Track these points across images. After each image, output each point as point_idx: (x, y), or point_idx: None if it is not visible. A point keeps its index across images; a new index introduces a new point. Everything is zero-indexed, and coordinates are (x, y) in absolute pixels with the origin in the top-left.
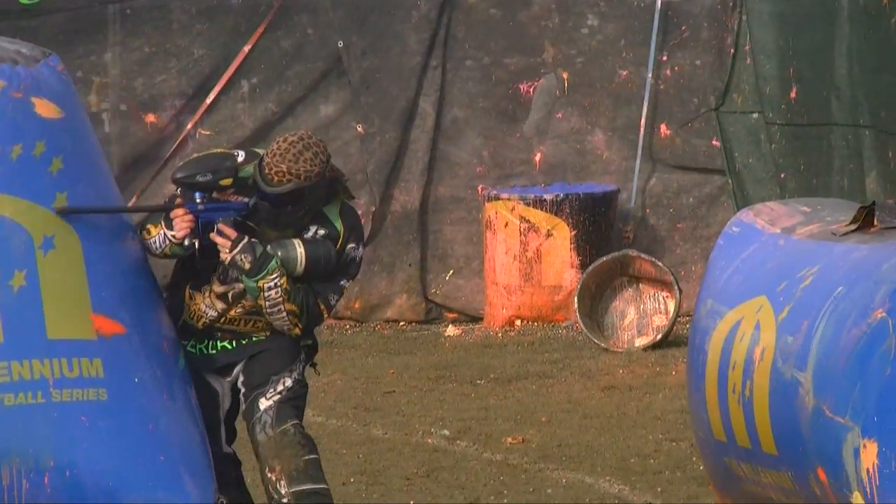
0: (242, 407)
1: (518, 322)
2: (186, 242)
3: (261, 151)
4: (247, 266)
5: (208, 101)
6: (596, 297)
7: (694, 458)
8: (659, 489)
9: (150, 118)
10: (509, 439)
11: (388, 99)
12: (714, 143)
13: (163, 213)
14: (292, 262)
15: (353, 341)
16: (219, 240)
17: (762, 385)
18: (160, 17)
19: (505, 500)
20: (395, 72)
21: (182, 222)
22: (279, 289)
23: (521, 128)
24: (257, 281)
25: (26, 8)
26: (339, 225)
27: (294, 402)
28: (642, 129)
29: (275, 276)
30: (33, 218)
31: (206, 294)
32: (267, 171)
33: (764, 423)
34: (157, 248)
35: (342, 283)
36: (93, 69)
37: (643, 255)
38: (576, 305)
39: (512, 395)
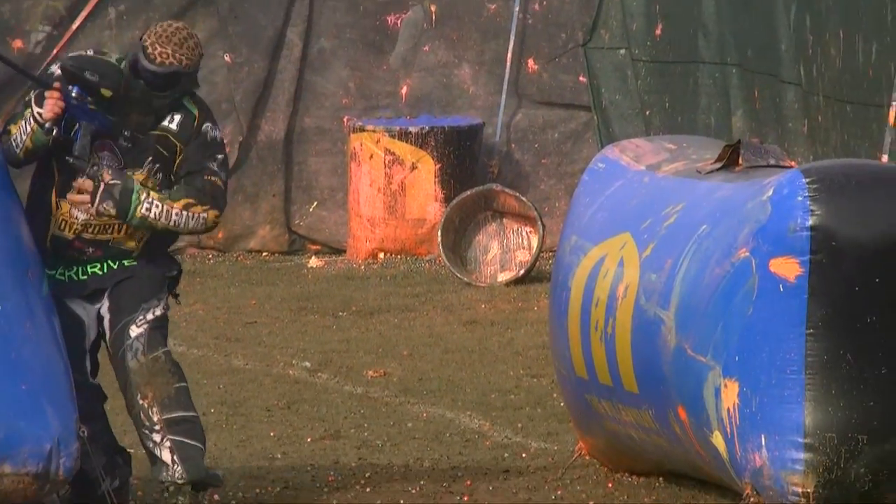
0: (107, 335)
1: (381, 255)
2: (48, 125)
3: (110, 58)
4: (113, 212)
5: (74, 26)
6: (459, 232)
7: (555, 395)
8: (519, 425)
9: (17, 44)
10: (370, 372)
11: (255, 28)
12: (581, 78)
13: (25, 107)
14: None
15: (215, 270)
16: (78, 198)
17: (625, 322)
18: None
19: (366, 434)
20: (262, 1)
21: (55, 105)
22: (156, 202)
23: (387, 60)
24: (134, 216)
25: None
26: (193, 109)
27: (162, 331)
28: (509, 64)
29: (144, 196)
30: None
31: (75, 193)
32: (150, 49)
33: (626, 360)
34: (18, 143)
35: (211, 162)
36: None
37: (507, 190)
38: (439, 239)
39: (374, 328)
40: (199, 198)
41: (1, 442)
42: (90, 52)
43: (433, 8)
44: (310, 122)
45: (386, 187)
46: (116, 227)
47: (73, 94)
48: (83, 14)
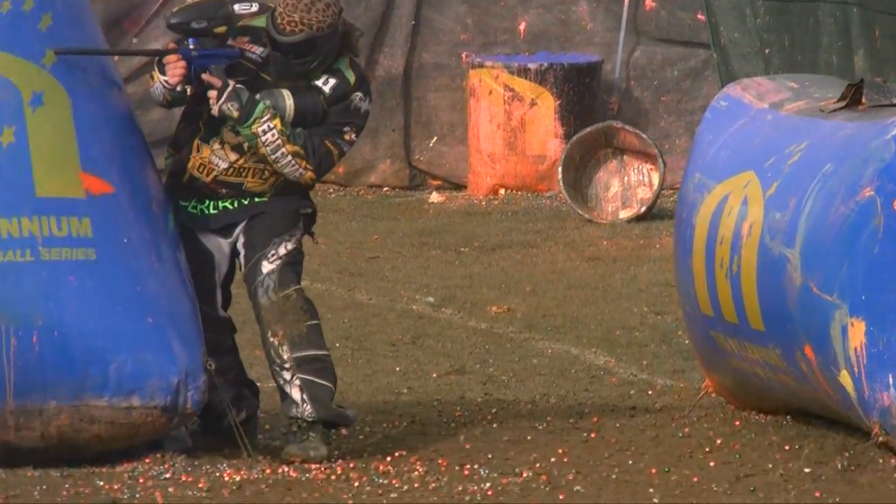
0: (242, 269)
1: (502, 191)
2: (179, 88)
3: (273, 5)
4: (235, 114)
5: None
6: (580, 168)
7: (679, 332)
8: (644, 362)
9: None
10: (494, 308)
11: None
12: (699, 16)
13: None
14: (280, 111)
15: (336, 205)
16: (209, 78)
17: (750, 260)
18: None
19: (491, 369)
20: None
21: (175, 68)
22: (274, 131)
23: None
24: (249, 127)
25: None
26: (350, 76)
27: (294, 268)
28: (627, 1)
29: (266, 118)
30: (22, 74)
31: (216, 145)
32: (279, 20)
33: (751, 298)
34: (158, 96)
35: (345, 129)
36: None
37: (627, 127)
38: (560, 176)
39: (496, 263)
40: (309, 154)
41: (129, 375)
42: (189, 1)
43: None
44: (428, 57)
45: (506, 123)
46: (251, 171)
47: (191, 48)
48: None
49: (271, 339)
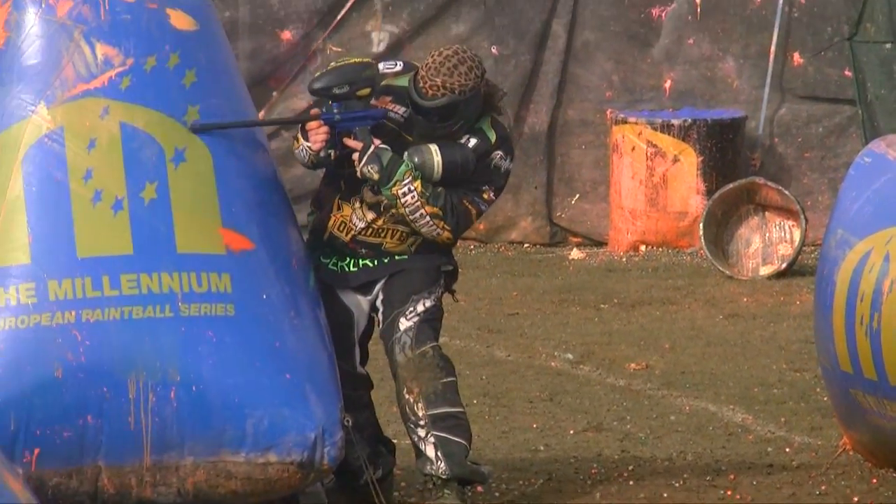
0: (380, 326)
1: (643, 247)
2: (322, 154)
3: (418, 65)
4: (375, 176)
5: (339, 16)
6: (721, 225)
7: (818, 390)
8: (782, 419)
9: (286, 35)
10: (632, 365)
11: (522, 21)
12: (846, 72)
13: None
14: (428, 168)
15: (477, 262)
16: (352, 144)
17: (891, 317)
18: None
19: (628, 426)
20: None
21: (317, 134)
22: (414, 193)
23: (651, 52)
24: (390, 189)
25: None
26: (491, 135)
27: (433, 324)
28: (772, 57)
29: (406, 181)
30: (165, 130)
31: (356, 204)
32: (421, 84)
33: (892, 355)
34: (303, 158)
35: (484, 188)
36: None
37: (770, 183)
38: (701, 232)
39: (635, 320)
40: (447, 214)
41: (266, 431)
42: (331, 65)
43: (698, 1)
44: (573, 114)
45: (648, 179)
46: (390, 232)
47: (334, 112)
48: (348, 4)
49: (407, 396)
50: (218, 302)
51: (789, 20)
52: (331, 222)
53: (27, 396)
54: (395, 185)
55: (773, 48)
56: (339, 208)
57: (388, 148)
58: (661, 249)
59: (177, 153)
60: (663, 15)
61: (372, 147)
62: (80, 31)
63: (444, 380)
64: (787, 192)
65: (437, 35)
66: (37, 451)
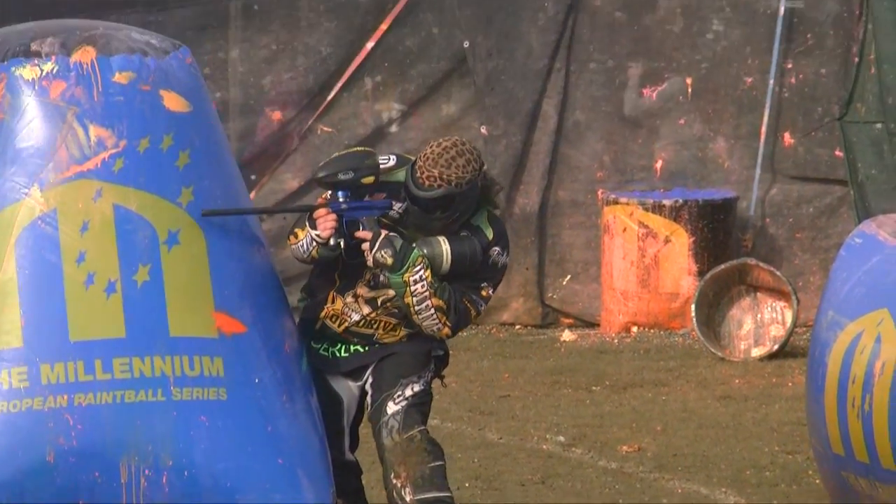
0: (368, 409)
1: (634, 328)
2: (332, 242)
3: (412, 158)
4: (389, 261)
5: (330, 97)
6: (713, 306)
7: (810, 472)
8: (775, 502)
9: (276, 115)
10: (625, 447)
11: (512, 101)
12: (837, 153)
13: (307, 214)
14: (437, 259)
15: (468, 344)
16: (361, 234)
17: (882, 399)
18: (287, 13)
19: None
20: (519, 74)
21: (326, 222)
22: (424, 282)
23: (642, 133)
24: (402, 275)
25: None
26: (488, 232)
27: (421, 409)
28: (763, 137)
29: (419, 268)
30: (159, 212)
31: (349, 298)
32: (418, 174)
33: (883, 438)
34: (304, 252)
35: (483, 284)
36: (219, 65)
37: (761, 264)
38: (693, 313)
39: (627, 402)
40: (450, 310)
41: None
42: (334, 155)
43: (689, 81)
44: (564, 194)
45: (639, 260)
46: (382, 324)
47: (340, 199)
48: (338, 84)
49: (394, 481)
50: (210, 386)
51: (780, 101)
52: (323, 312)
53: (19, 481)
54: (407, 270)
55: (763, 128)
56: (332, 301)
57: (399, 236)
58: (652, 331)
59: (170, 235)
60: (654, 95)
61: (383, 234)
62: (74, 112)
63: (432, 464)
64: (778, 273)
65: (427, 115)
66: None
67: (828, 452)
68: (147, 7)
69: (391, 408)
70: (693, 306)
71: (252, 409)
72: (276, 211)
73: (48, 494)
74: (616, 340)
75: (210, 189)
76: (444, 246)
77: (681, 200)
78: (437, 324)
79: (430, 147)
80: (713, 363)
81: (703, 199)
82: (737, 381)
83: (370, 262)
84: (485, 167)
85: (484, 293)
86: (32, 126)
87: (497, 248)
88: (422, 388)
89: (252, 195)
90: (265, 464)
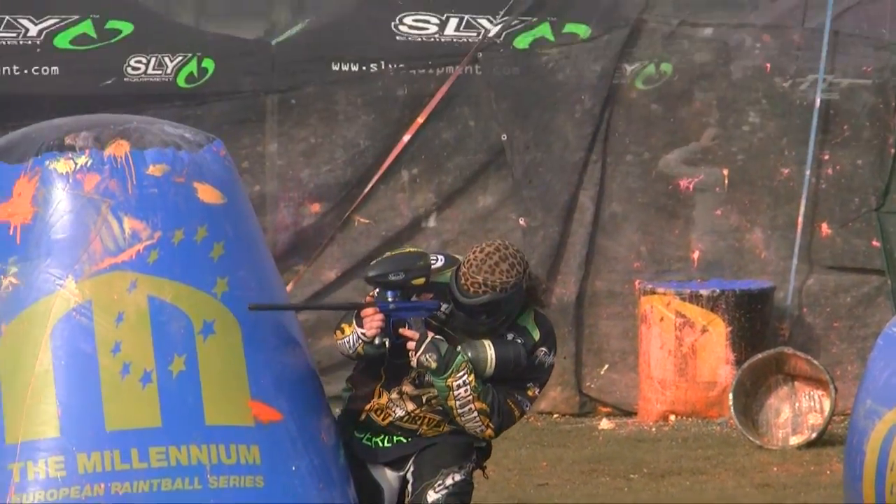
0: (409, 498)
1: (672, 417)
2: (377, 341)
3: (460, 258)
4: (433, 365)
5: (367, 189)
6: (751, 394)
7: None
8: None
9: (315, 207)
10: None
11: (550, 193)
12: (874, 243)
13: (354, 312)
14: (482, 363)
15: (506, 433)
16: (408, 333)
17: None
18: (325, 107)
19: None
20: (557, 166)
21: (372, 321)
22: (468, 387)
23: (679, 224)
24: (445, 379)
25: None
26: (535, 334)
27: (461, 498)
28: (800, 228)
29: (462, 373)
30: (194, 303)
31: (394, 395)
32: (463, 281)
33: None
34: (349, 348)
35: (528, 385)
36: (257, 158)
37: (799, 353)
38: (731, 402)
39: (665, 490)
40: (494, 413)
41: None
42: (387, 254)
43: (725, 172)
44: (601, 284)
45: (677, 349)
46: (426, 420)
47: (389, 299)
48: (375, 177)
49: None
50: (247, 474)
51: (816, 191)
52: (368, 406)
53: None
54: (450, 375)
55: (800, 219)
56: (378, 395)
57: (444, 339)
58: (690, 419)
59: (205, 325)
60: (691, 187)
61: (429, 337)
62: (108, 205)
63: None
64: (816, 362)
65: (464, 207)
66: None
67: None
68: (185, 101)
69: (431, 496)
70: (731, 395)
71: (289, 496)
72: (324, 307)
73: None
74: (654, 429)
75: (245, 279)
76: (490, 351)
77: (718, 290)
78: (480, 426)
79: (474, 252)
80: (751, 451)
81: (740, 290)
82: (775, 468)
83: (414, 364)
84: (528, 269)
85: (530, 393)
86: (67, 219)
87: (543, 349)
88: (462, 477)
89: (290, 286)
90: None
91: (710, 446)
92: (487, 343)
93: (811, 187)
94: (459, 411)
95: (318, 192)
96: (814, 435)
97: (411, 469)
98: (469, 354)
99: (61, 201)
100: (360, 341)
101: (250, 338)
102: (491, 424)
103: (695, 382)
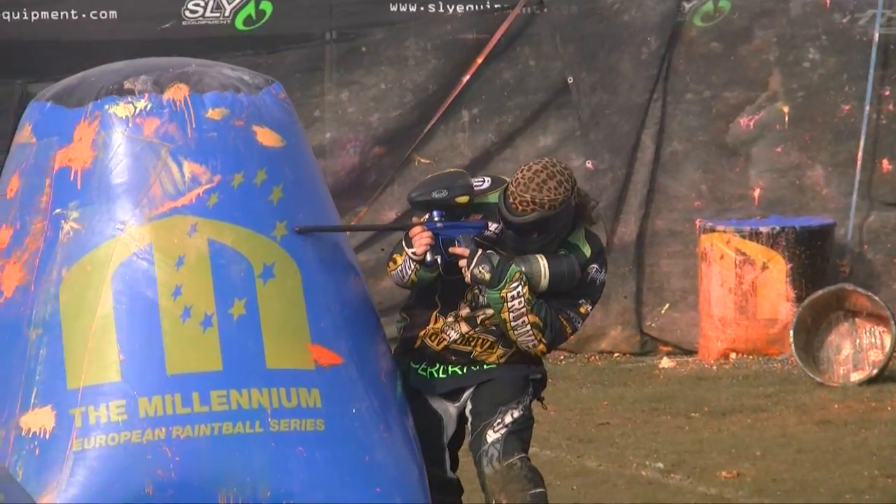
0: (469, 437)
1: (733, 355)
2: (428, 258)
3: (507, 179)
4: (487, 277)
5: (426, 129)
6: (811, 331)
7: None
8: None
9: (376, 150)
10: (724, 473)
11: (616, 135)
12: None
13: (404, 239)
14: (535, 276)
15: (566, 372)
16: (458, 250)
17: None
18: (395, 53)
19: None
20: (623, 107)
21: (421, 238)
22: (522, 298)
23: (740, 161)
24: (499, 291)
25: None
26: (586, 250)
27: (520, 435)
28: (860, 164)
29: (516, 284)
30: (253, 246)
31: (450, 319)
32: (511, 199)
33: None
34: (403, 276)
35: (580, 302)
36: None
37: (859, 290)
38: (791, 339)
39: (726, 428)
40: (546, 327)
41: None
42: (428, 177)
43: (786, 110)
44: (661, 223)
45: (737, 287)
46: (480, 341)
47: (436, 219)
48: (435, 117)
49: None
50: (308, 417)
51: (877, 127)
52: (423, 332)
53: None
54: (504, 286)
55: (860, 155)
56: (434, 321)
57: (495, 252)
58: (751, 357)
59: (265, 269)
60: (751, 124)
61: (479, 251)
62: (167, 149)
63: (533, 491)
64: (876, 299)
65: (524, 147)
66: None
67: None
68: (256, 50)
69: (491, 436)
70: (791, 332)
71: (350, 439)
72: (370, 228)
73: None
74: (714, 367)
75: (304, 222)
76: (542, 263)
77: (778, 228)
78: (532, 340)
79: (521, 171)
80: (812, 388)
81: (800, 227)
82: (835, 406)
83: (467, 278)
84: (577, 185)
85: (582, 310)
86: (126, 163)
87: (595, 266)
88: (521, 413)
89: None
90: (363, 494)
91: (771, 384)
92: (540, 256)
93: (871, 123)
94: (513, 324)
95: (383, 136)
96: (875, 371)
97: (468, 406)
98: (522, 268)
99: (121, 146)
100: (413, 264)
101: (310, 281)
102: (543, 339)
103: (755, 320)
